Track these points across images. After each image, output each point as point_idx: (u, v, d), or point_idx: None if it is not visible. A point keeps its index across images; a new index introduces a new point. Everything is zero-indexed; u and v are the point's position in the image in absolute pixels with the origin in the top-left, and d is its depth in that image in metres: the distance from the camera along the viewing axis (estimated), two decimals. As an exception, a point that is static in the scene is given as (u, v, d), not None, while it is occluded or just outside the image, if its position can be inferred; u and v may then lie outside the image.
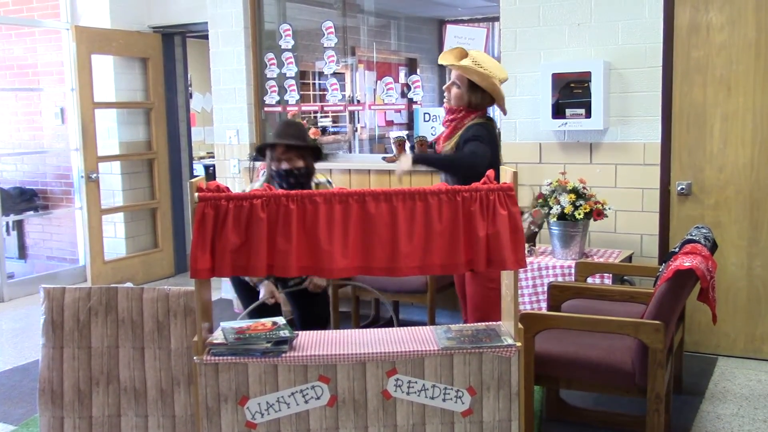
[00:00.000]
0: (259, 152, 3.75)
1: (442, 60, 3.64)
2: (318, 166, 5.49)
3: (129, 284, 3.12)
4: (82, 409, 3.02)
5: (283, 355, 2.52)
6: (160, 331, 3.00)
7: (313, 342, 2.64)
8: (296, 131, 3.72)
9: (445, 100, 3.66)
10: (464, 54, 3.60)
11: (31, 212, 7.47)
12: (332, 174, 5.63)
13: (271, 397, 2.54)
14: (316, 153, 3.74)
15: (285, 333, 2.58)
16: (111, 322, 3.01)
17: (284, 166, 3.59)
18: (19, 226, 7.69)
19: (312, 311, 3.98)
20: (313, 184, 3.75)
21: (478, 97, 3.56)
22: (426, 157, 3.94)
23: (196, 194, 2.46)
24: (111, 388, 3.02)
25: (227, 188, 2.53)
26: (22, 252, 7.72)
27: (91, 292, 3.02)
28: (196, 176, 3.70)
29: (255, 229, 2.45)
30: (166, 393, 3.01)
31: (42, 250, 7.62)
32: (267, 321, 2.68)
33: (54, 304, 3.02)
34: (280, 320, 2.70)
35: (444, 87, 3.68)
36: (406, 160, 3.61)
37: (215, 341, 2.57)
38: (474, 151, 3.42)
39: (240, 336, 2.55)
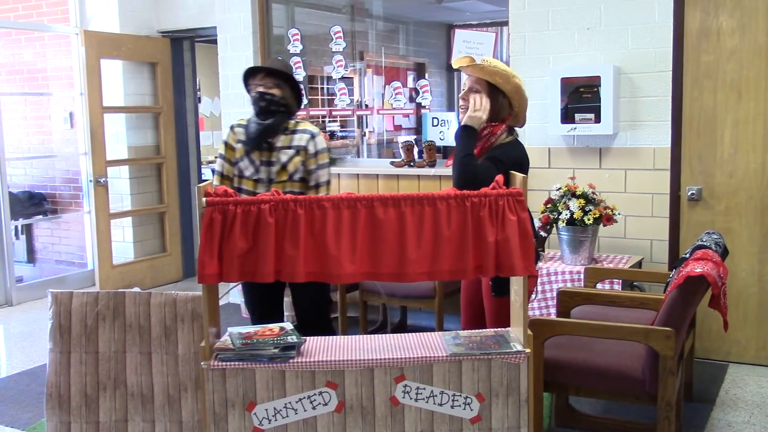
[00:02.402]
0: (245, 81, 3.77)
1: (456, 63, 3.24)
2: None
3: (136, 289, 3.11)
4: (89, 414, 3.02)
5: (291, 360, 2.51)
6: (167, 336, 2.99)
7: (321, 348, 2.63)
8: (280, 64, 3.83)
9: (461, 109, 3.20)
10: (473, 60, 3.26)
11: (40, 216, 7.50)
12: (340, 178, 5.63)
13: (279, 403, 2.53)
14: (295, 90, 3.70)
15: (292, 338, 2.57)
16: (118, 327, 3.01)
17: (260, 89, 3.64)
18: (28, 230, 7.71)
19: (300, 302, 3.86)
20: (293, 131, 3.67)
21: (502, 103, 3.16)
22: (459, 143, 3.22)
23: (204, 199, 2.45)
24: (118, 393, 3.01)
25: (235, 193, 2.52)
26: (31, 256, 7.74)
27: (99, 297, 3.02)
28: (205, 181, 3.67)
29: (263, 234, 2.44)
30: (173, 398, 3.00)
31: (50, 254, 7.64)
32: (274, 326, 2.67)
33: (62, 309, 3.02)
34: (288, 326, 2.69)
35: (461, 95, 3.23)
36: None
37: (222, 346, 2.57)
38: (485, 167, 2.99)
39: (247, 341, 2.54)
